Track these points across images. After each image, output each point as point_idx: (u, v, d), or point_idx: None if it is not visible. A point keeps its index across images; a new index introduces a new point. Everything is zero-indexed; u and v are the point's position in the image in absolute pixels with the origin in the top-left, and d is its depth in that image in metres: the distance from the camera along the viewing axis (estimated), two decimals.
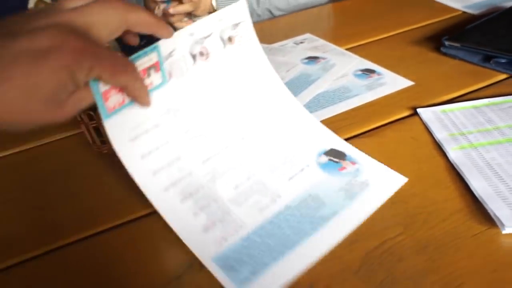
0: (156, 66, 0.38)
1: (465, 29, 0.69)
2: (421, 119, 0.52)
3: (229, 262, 0.36)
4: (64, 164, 0.53)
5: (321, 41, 0.80)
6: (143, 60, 0.37)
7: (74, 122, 0.47)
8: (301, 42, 0.81)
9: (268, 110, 0.48)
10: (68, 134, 0.59)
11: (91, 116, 0.52)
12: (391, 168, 0.44)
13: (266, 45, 0.81)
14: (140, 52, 0.36)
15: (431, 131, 0.49)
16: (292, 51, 0.77)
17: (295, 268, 0.35)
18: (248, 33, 0.47)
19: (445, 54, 0.67)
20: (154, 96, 0.39)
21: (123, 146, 0.37)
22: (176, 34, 0.39)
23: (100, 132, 0.53)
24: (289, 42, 0.82)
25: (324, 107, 0.57)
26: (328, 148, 0.47)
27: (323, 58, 0.73)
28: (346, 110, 0.56)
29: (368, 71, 0.66)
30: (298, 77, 0.67)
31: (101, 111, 0.35)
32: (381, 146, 0.48)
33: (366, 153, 0.46)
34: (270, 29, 0.91)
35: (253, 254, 0.36)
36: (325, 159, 0.46)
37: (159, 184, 0.39)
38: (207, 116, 0.44)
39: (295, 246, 0.36)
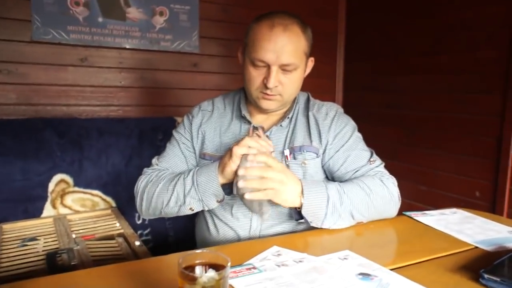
0: None
1: (494, 264, 0.81)
2: None
3: None
4: None
5: (363, 259, 0.89)
6: None
7: None
8: (345, 258, 0.89)
9: None
10: None
11: None
12: None
13: (314, 257, 0.89)
14: None
15: None
16: (342, 265, 0.85)
17: None
18: None
19: (485, 285, 0.76)
20: None
21: None
22: None
23: None
24: (333, 257, 0.90)
25: None
26: None
27: (375, 276, 0.80)
28: None
29: None
30: None
31: None
32: None
33: None
34: (314, 239, 1.01)
35: None
36: None
37: None
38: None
39: None
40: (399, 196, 1.17)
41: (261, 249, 0.93)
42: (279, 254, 0.91)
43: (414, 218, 1.18)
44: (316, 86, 2.74)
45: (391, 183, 1.16)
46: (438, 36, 2.11)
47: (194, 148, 1.24)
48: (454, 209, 1.29)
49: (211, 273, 0.55)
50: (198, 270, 0.57)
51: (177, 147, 1.24)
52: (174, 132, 1.28)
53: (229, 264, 0.57)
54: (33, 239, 1.25)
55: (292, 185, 1.02)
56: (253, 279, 0.78)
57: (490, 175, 1.80)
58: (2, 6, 1.76)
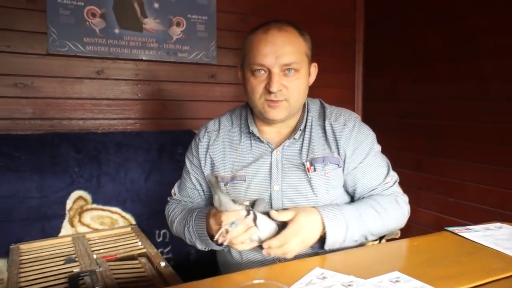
0: None
1: None
2: None
3: None
4: None
5: (416, 282, 0.81)
6: None
7: None
8: (397, 281, 0.81)
9: None
10: None
11: None
12: None
13: (363, 280, 0.81)
14: None
15: None
16: None
17: None
18: None
19: None
20: None
21: None
22: None
23: None
24: (384, 279, 0.82)
25: None
26: None
27: None
28: None
29: None
30: None
31: None
32: None
33: None
34: (358, 259, 0.93)
35: None
36: None
37: None
38: None
39: None
40: (409, 211, 1.18)
41: (302, 271, 0.86)
42: (324, 277, 0.83)
43: (459, 234, 1.10)
44: (335, 97, 2.69)
45: (404, 202, 1.16)
46: (460, 42, 2.05)
47: (204, 174, 1.20)
48: (499, 224, 1.21)
49: None
50: None
51: (189, 176, 1.23)
52: (186, 157, 1.26)
53: None
54: (72, 260, 1.22)
55: (311, 230, 1.00)
56: None
57: None
58: (18, 18, 1.72)
